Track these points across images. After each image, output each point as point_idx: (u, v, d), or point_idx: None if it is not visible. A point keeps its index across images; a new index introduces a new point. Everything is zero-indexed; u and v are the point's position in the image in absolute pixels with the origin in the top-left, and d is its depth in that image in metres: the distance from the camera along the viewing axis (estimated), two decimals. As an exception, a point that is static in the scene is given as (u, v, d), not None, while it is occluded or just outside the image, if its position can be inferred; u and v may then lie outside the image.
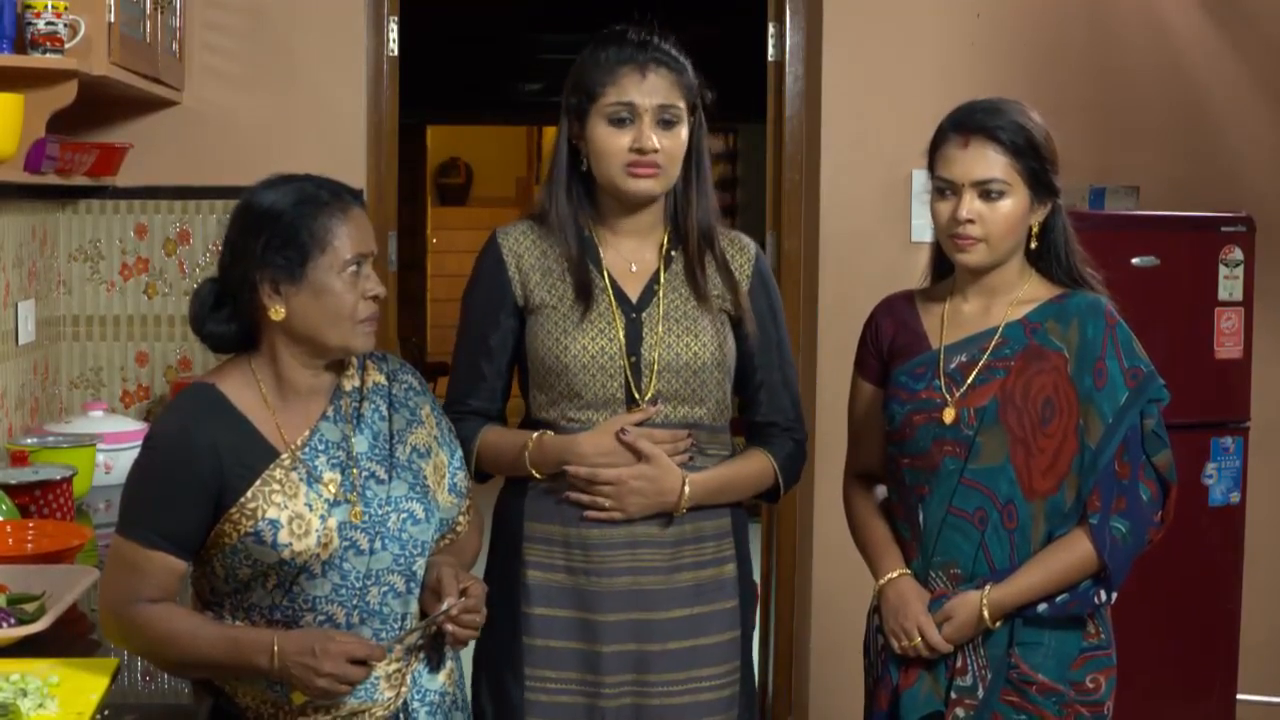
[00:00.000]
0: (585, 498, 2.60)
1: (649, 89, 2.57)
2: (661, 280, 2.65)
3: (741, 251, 2.73)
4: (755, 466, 2.72)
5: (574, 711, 2.61)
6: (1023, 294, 2.61)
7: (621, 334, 2.61)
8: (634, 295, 2.64)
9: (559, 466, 2.60)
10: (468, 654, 2.41)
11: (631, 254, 2.67)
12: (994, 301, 2.62)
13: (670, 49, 2.62)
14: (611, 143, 2.58)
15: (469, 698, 2.47)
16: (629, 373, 2.60)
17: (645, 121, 2.57)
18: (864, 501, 2.77)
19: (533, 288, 2.65)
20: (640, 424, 2.59)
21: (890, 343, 2.70)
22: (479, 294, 2.70)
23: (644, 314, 2.63)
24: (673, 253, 2.68)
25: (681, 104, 2.60)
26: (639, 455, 2.58)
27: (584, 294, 2.61)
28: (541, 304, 2.64)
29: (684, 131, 2.61)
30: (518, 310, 2.67)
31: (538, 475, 2.63)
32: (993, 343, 2.58)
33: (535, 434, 2.63)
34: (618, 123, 2.58)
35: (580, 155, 2.64)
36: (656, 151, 2.57)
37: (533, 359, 2.64)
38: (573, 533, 2.61)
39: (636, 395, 2.60)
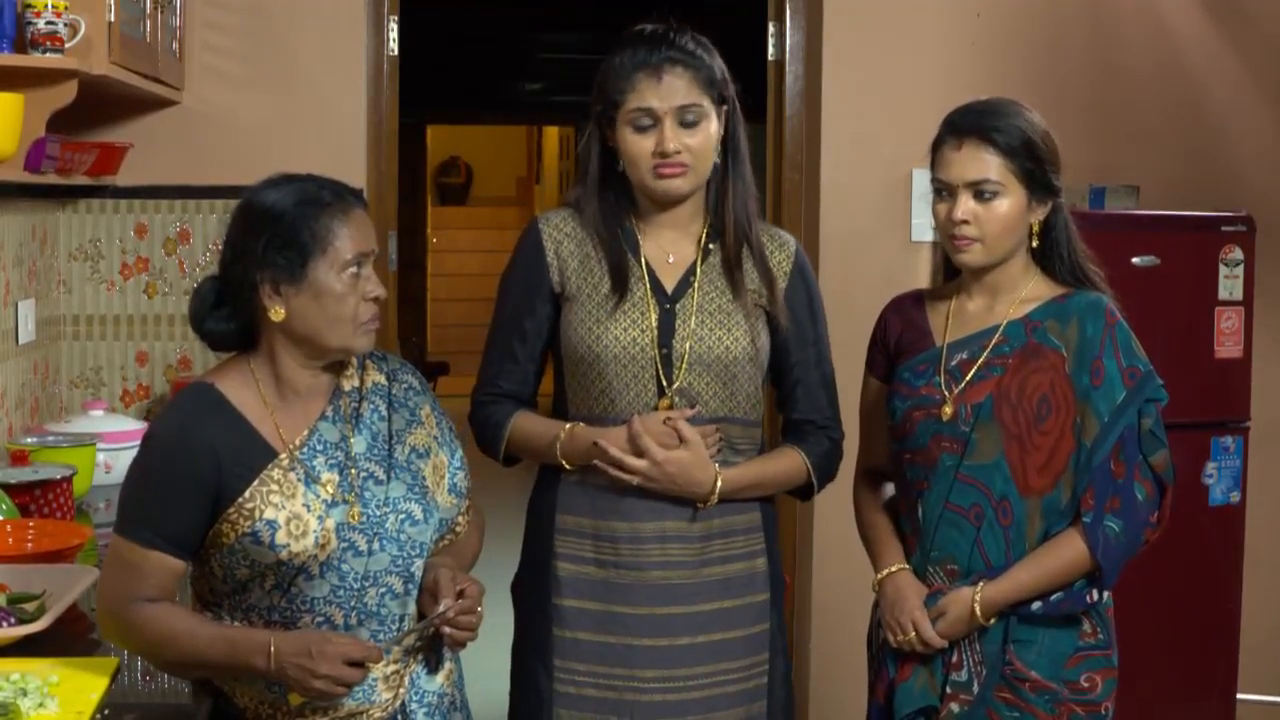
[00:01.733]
0: (614, 472, 2.58)
1: (665, 92, 2.58)
2: (698, 272, 2.67)
3: (782, 248, 2.74)
4: (787, 464, 2.73)
5: (601, 704, 2.63)
6: (1026, 292, 2.62)
7: (654, 324, 2.62)
8: (669, 286, 2.66)
9: (589, 459, 2.61)
10: (468, 654, 2.41)
11: (670, 245, 2.68)
12: (998, 300, 2.63)
13: (687, 44, 2.62)
14: (637, 147, 2.60)
15: (467, 698, 2.48)
16: (659, 364, 2.61)
17: (666, 125, 2.58)
18: (869, 497, 2.79)
19: (570, 275, 2.67)
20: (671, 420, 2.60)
21: (897, 340, 2.72)
22: (516, 278, 2.72)
23: (678, 305, 2.64)
24: (710, 245, 2.69)
25: (703, 101, 2.60)
26: (680, 439, 2.58)
27: (620, 282, 2.63)
28: (577, 292, 2.66)
29: (711, 127, 2.61)
30: (554, 297, 2.69)
31: (568, 466, 2.64)
32: (993, 340, 2.59)
33: (568, 425, 2.65)
34: (640, 128, 2.59)
35: (616, 155, 2.66)
36: (679, 152, 2.58)
37: (565, 347, 2.66)
38: (602, 525, 2.63)
39: (666, 386, 2.61)
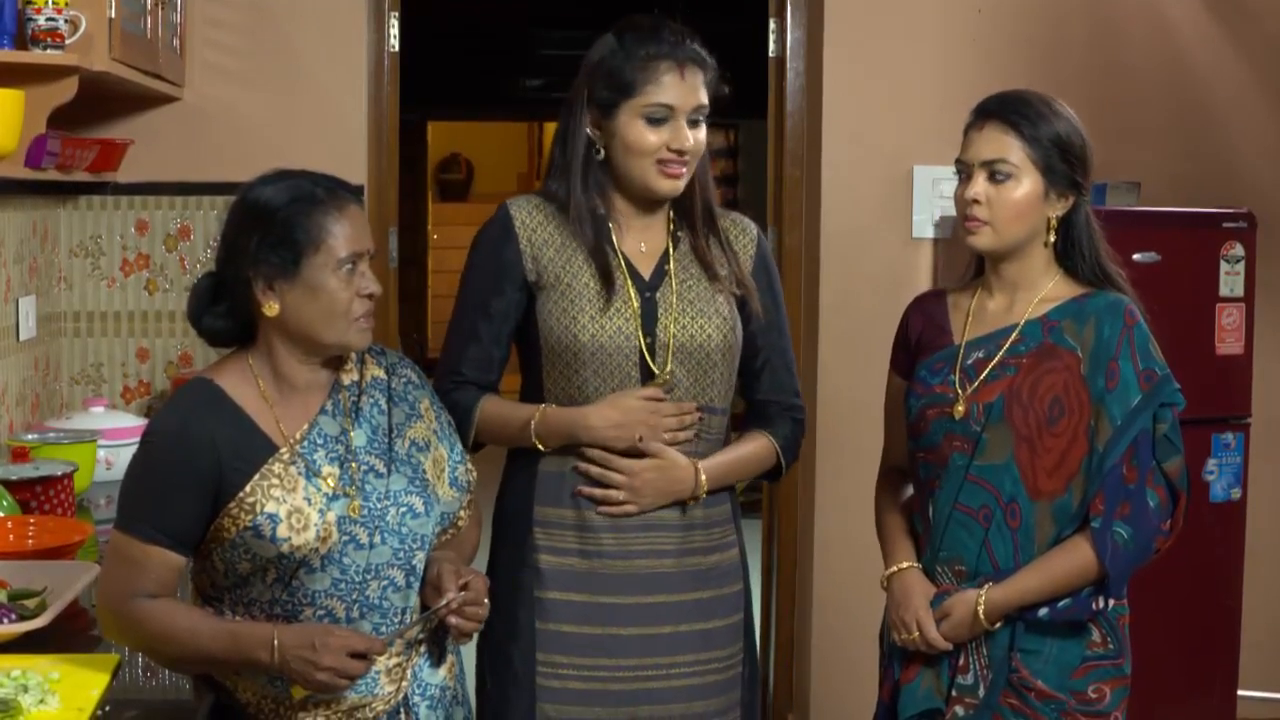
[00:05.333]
0: (599, 492, 2.61)
1: (687, 90, 2.59)
2: (672, 260, 2.67)
3: (744, 233, 2.75)
4: (758, 447, 2.74)
5: (586, 695, 2.63)
6: (1047, 292, 2.58)
7: (637, 314, 2.62)
8: (646, 274, 2.66)
9: (566, 440, 2.62)
10: (469, 649, 2.41)
11: (641, 234, 2.68)
12: (1018, 298, 2.60)
13: (700, 47, 2.63)
14: (647, 140, 2.59)
15: (469, 692, 2.48)
16: (645, 352, 2.61)
17: (681, 122, 2.59)
18: (887, 495, 2.78)
19: (546, 264, 2.65)
20: (649, 399, 2.61)
21: (918, 337, 2.70)
22: (484, 262, 2.69)
23: (658, 294, 2.65)
24: (679, 234, 2.69)
25: (708, 103, 2.62)
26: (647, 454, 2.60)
27: (607, 277, 2.62)
28: (555, 281, 2.64)
29: (704, 128, 2.63)
30: (526, 284, 2.66)
31: (542, 448, 2.63)
32: (1010, 340, 2.57)
33: (540, 406, 2.64)
34: (654, 121, 2.59)
35: (595, 145, 2.64)
36: (690, 151, 2.60)
37: (546, 337, 2.64)
38: (587, 515, 2.63)
39: (654, 374, 2.61)
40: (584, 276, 2.63)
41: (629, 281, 2.64)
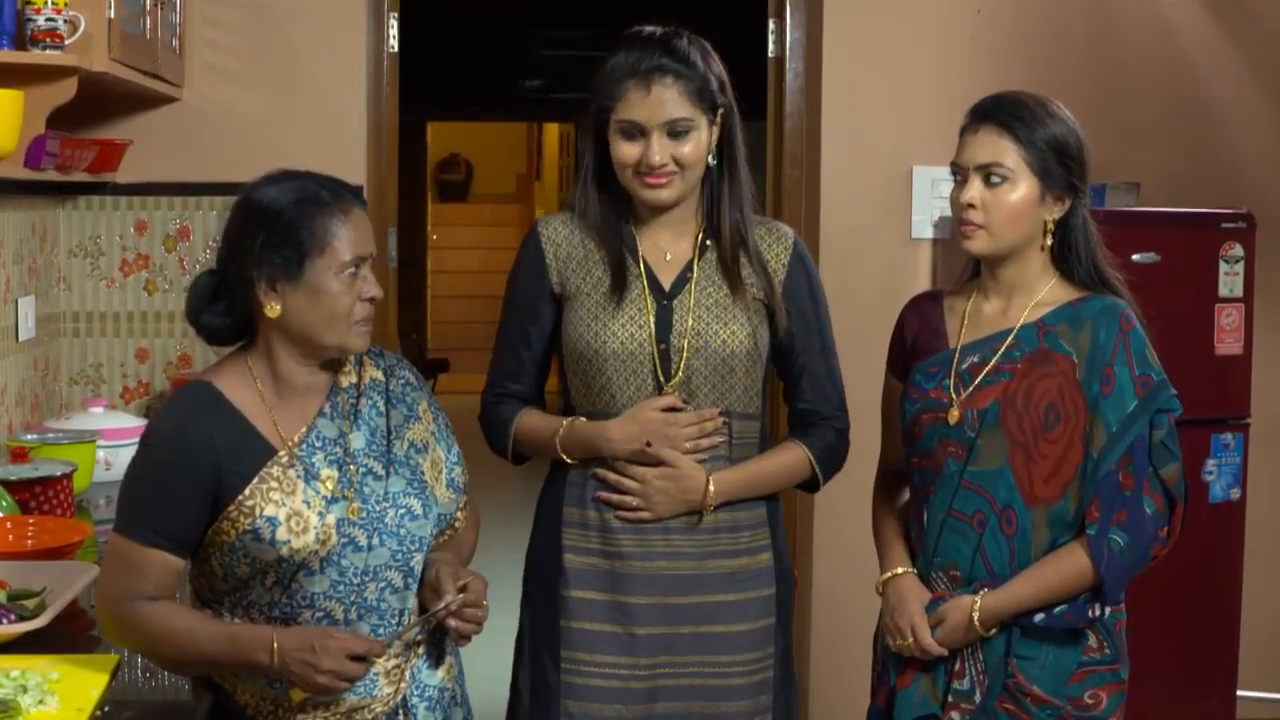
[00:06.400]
0: (615, 497, 2.64)
1: (653, 105, 2.57)
2: (695, 269, 2.67)
3: (779, 240, 2.74)
4: (788, 459, 2.73)
5: (608, 693, 2.64)
6: (1044, 296, 2.57)
7: (652, 320, 2.63)
8: (667, 283, 2.67)
9: (589, 452, 2.65)
10: (468, 650, 2.41)
11: (667, 243, 2.69)
12: (1013, 302, 2.58)
13: (682, 50, 2.60)
14: (624, 155, 2.61)
15: (467, 693, 2.48)
16: (657, 359, 2.62)
17: (653, 137, 2.58)
18: (883, 498, 2.77)
19: (569, 275, 2.69)
20: (668, 409, 2.62)
21: (914, 340, 2.69)
22: (519, 283, 2.75)
23: (675, 301, 2.65)
24: (707, 243, 2.69)
25: (692, 113, 2.59)
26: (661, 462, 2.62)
27: (619, 280, 2.64)
28: (577, 291, 2.67)
29: (701, 137, 2.60)
30: (555, 298, 2.71)
31: (570, 460, 2.67)
32: (1005, 344, 2.55)
33: (567, 420, 2.68)
34: (628, 136, 2.60)
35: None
36: (665, 165, 2.59)
37: (566, 345, 2.68)
38: (608, 517, 2.65)
39: (664, 381, 2.62)
40: (603, 285, 2.66)
41: (646, 288, 2.65)
